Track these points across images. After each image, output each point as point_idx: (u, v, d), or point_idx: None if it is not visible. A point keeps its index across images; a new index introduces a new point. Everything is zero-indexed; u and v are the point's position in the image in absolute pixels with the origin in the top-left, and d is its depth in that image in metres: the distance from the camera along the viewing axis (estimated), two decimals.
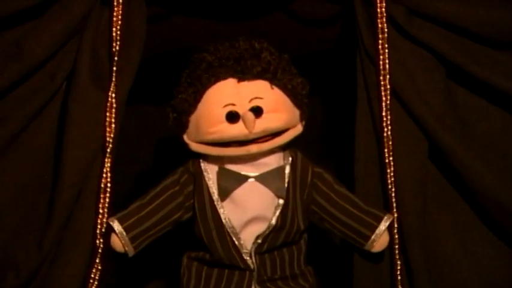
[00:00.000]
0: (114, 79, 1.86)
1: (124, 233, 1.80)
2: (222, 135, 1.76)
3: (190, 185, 1.84)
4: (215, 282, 1.84)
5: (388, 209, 1.89)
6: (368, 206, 1.86)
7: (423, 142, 1.92)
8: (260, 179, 1.79)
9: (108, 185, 1.87)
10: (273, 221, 1.80)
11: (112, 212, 1.87)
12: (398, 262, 1.89)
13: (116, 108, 1.87)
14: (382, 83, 1.87)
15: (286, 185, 1.81)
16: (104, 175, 1.87)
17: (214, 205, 1.80)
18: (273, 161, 1.82)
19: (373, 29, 1.88)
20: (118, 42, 1.86)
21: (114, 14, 1.85)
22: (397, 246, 1.89)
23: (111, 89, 1.86)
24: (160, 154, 2.59)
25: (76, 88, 1.87)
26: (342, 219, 1.85)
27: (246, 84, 1.77)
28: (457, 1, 1.85)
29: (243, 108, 1.75)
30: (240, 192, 1.79)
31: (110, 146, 1.87)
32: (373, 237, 1.85)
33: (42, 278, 1.90)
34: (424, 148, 1.92)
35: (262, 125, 1.75)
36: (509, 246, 1.95)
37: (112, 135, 1.87)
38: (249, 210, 1.79)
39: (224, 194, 1.79)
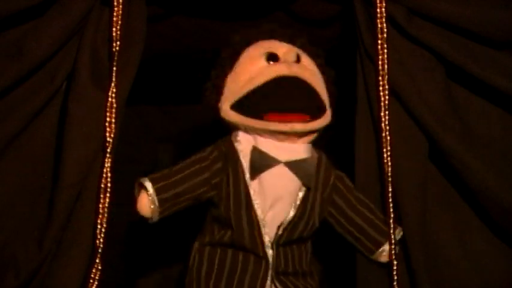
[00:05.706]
0: (114, 79, 1.86)
1: (155, 194, 1.77)
2: (261, 72, 1.77)
3: (219, 162, 1.82)
4: (229, 268, 1.82)
5: (386, 209, 1.89)
6: (384, 216, 1.88)
7: (423, 142, 1.92)
8: (290, 165, 1.79)
9: (108, 185, 1.87)
10: (294, 210, 1.80)
11: (111, 212, 1.87)
12: (395, 262, 1.89)
13: (116, 108, 1.87)
14: (380, 83, 1.88)
15: (315, 176, 1.82)
16: (104, 175, 1.87)
17: (247, 184, 1.79)
18: (303, 151, 1.82)
19: (373, 29, 1.88)
20: (118, 42, 1.86)
21: (114, 14, 1.86)
22: (393, 247, 1.89)
23: (111, 89, 1.86)
24: (160, 154, 2.59)
25: (76, 88, 1.88)
26: (358, 223, 1.87)
27: (284, 44, 1.84)
28: (457, 1, 1.85)
29: (282, 54, 1.80)
30: (268, 175, 1.79)
31: (110, 146, 1.87)
32: (385, 245, 1.87)
33: (42, 278, 1.90)
34: (424, 148, 1.92)
35: (301, 67, 1.79)
36: (509, 246, 1.95)
37: (112, 135, 1.87)
38: (274, 194, 1.79)
39: (254, 173, 1.79)
